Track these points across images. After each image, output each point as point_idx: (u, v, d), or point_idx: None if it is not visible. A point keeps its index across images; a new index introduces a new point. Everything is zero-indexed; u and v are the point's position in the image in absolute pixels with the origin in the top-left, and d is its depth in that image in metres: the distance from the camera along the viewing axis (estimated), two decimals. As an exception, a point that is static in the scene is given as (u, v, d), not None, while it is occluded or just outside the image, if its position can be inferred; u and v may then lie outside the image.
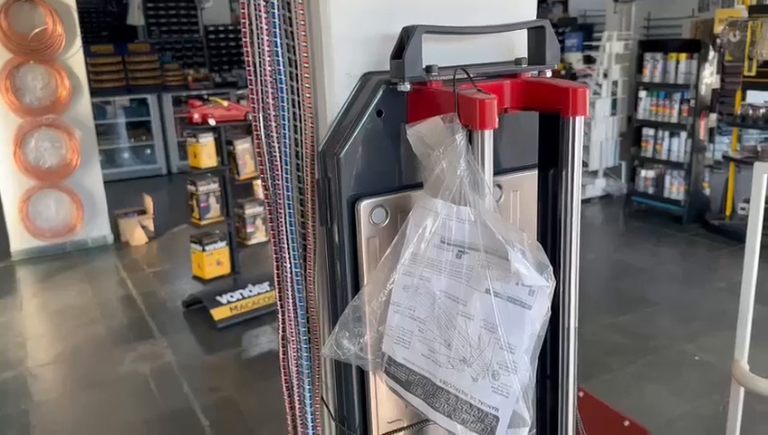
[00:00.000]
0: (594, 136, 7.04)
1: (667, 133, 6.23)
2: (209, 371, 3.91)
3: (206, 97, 7.47)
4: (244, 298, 4.52)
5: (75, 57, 5.73)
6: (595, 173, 7.21)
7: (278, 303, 0.92)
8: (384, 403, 0.85)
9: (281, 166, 0.83)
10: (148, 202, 6.40)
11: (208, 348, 4.14)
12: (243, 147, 4.48)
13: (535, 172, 0.88)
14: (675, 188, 6.22)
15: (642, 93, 6.41)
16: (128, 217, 6.23)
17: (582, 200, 7.16)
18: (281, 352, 0.95)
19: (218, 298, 4.46)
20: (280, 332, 0.95)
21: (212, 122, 4.25)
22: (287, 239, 0.85)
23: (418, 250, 0.77)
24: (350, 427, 0.85)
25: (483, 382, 0.73)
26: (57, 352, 4.15)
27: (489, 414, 0.72)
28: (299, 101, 0.81)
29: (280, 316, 0.93)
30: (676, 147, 6.16)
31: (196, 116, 4.25)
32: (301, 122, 0.82)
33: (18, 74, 5.48)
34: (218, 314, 4.37)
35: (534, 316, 0.71)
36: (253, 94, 0.84)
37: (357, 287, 0.81)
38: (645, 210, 6.57)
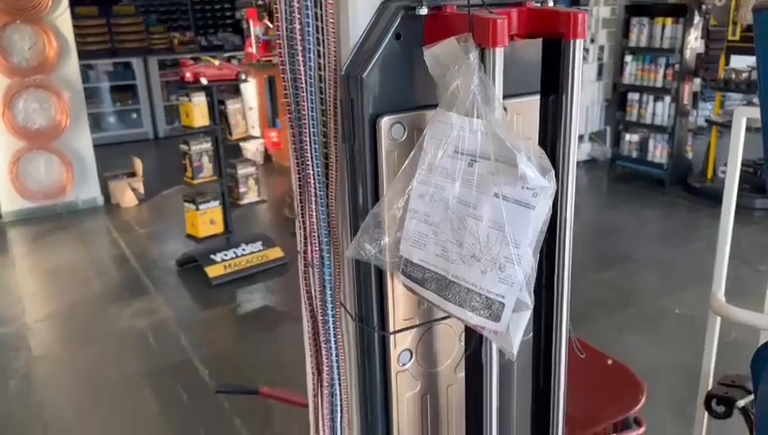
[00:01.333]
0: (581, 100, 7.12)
1: (651, 98, 6.34)
2: (206, 325, 4.01)
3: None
4: (237, 256, 4.61)
5: (62, 17, 5.68)
6: (581, 138, 7.31)
7: (299, 220, 1.01)
8: (399, 303, 0.95)
9: (306, 89, 0.91)
10: (138, 164, 6.42)
11: (204, 304, 4.23)
12: (234, 107, 4.52)
13: (537, 98, 0.97)
14: (658, 151, 6.35)
15: (628, 58, 6.49)
16: (117, 180, 6.26)
17: (568, 164, 7.29)
18: (302, 265, 1.04)
19: (212, 256, 4.53)
20: (301, 247, 1.03)
21: (204, 81, 4.27)
22: (311, 157, 0.93)
23: (434, 161, 0.85)
24: (369, 324, 0.95)
25: (490, 274, 0.83)
26: (53, 309, 4.22)
27: (496, 301, 0.82)
28: (323, 27, 0.89)
29: (301, 232, 1.01)
30: (661, 111, 6.28)
31: (188, 75, 4.27)
32: (324, 47, 0.90)
33: (5, 34, 5.44)
34: (213, 271, 4.45)
35: (537, 215, 0.80)
36: (278, 22, 0.91)
37: (376, 198, 0.90)
38: (629, 174, 6.71)
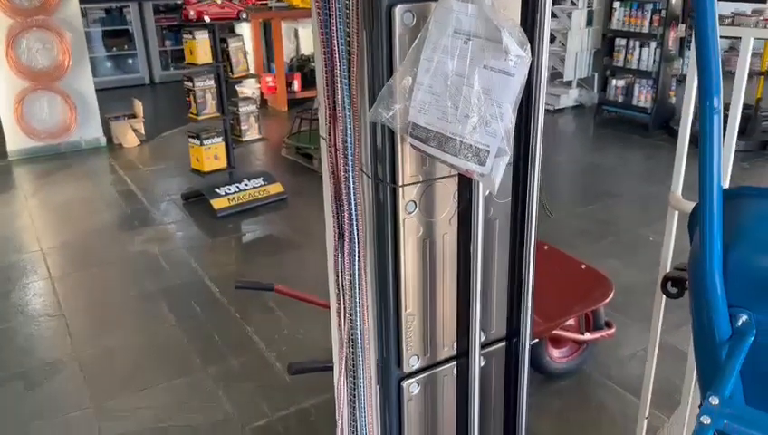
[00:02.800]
0: (570, 47, 7.30)
1: (637, 44, 6.53)
2: (213, 250, 4.27)
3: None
4: (240, 191, 4.84)
5: (63, -44, 5.76)
6: (569, 84, 7.52)
7: (324, 101, 1.25)
8: (407, 162, 1.19)
9: (333, -13, 1.14)
10: (138, 106, 6.58)
11: (210, 233, 4.49)
12: (236, 45, 4.68)
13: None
14: (643, 96, 6.57)
15: (616, 4, 6.64)
16: (119, 121, 6.43)
17: (555, 110, 7.51)
18: (328, 143, 1.28)
19: (216, 190, 4.77)
20: (327, 122, 1.27)
21: (207, 19, 4.43)
22: (337, 43, 1.17)
23: (437, 40, 1.09)
24: (384, 180, 1.20)
25: (479, 129, 1.08)
26: (68, 237, 4.46)
27: (482, 150, 1.07)
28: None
29: (326, 109, 1.25)
30: (646, 57, 6.48)
31: (191, 13, 4.41)
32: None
33: (6, -26, 5.52)
34: (218, 203, 4.69)
35: (516, 80, 1.05)
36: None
37: (391, 73, 1.14)
38: (614, 118, 6.95)
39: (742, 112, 1.91)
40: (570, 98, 7.49)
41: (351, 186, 1.24)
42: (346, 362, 1.35)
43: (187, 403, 2.75)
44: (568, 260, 2.71)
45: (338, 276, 1.35)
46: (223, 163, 4.84)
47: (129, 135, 6.32)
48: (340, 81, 1.18)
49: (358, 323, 1.32)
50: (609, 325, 2.84)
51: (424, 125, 1.13)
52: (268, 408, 2.70)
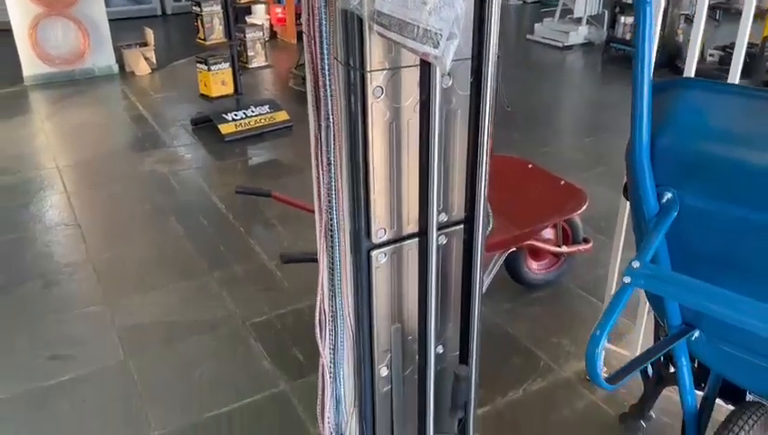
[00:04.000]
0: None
1: (648, -21, 6.47)
2: (221, 171, 4.46)
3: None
4: (247, 117, 5.00)
5: None
6: (579, 20, 7.49)
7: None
8: (374, 50, 1.35)
9: None
10: (149, 35, 6.68)
11: (218, 156, 4.67)
12: (243, -29, 4.75)
13: None
14: (651, 34, 6.56)
15: (629, -61, 6.56)
16: (130, 49, 6.54)
17: (565, 47, 7.51)
18: (306, 31, 1.43)
19: (224, 116, 4.93)
20: (307, 15, 1.42)
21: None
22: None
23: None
24: (354, 66, 1.37)
25: (434, 15, 1.23)
26: (82, 156, 4.67)
27: (436, 33, 1.23)
28: None
29: (306, 4, 1.40)
30: (656, -7, 6.43)
31: (199, -62, 4.47)
32: None
33: None
34: (225, 128, 4.86)
35: (465, -28, 1.20)
36: None
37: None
38: (622, 56, 6.95)
39: (746, 51, 1.90)
40: (579, 35, 7.48)
41: (327, 73, 1.41)
42: (325, 229, 1.54)
43: (193, 302, 3.00)
44: (548, 177, 2.87)
45: (317, 158, 1.53)
46: (230, 89, 4.98)
47: (140, 63, 6.45)
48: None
49: (334, 197, 1.51)
50: (586, 241, 3.02)
51: (387, 12, 1.29)
52: (268, 307, 2.94)
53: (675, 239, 1.45)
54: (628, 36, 6.77)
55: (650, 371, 2.03)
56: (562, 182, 2.80)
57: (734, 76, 1.87)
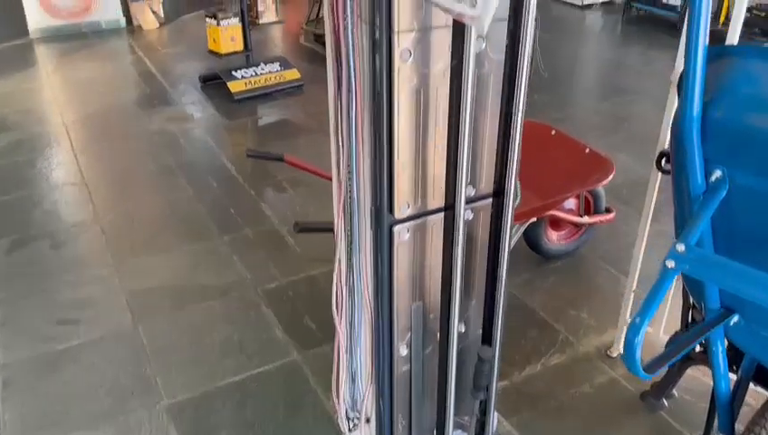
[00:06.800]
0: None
1: (675, -65, 6.20)
2: (230, 131, 4.36)
3: None
4: (257, 75, 4.86)
5: None
6: (600, -22, 7.22)
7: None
8: (404, 9, 1.24)
9: None
10: (157, -13, 6.49)
11: (227, 115, 4.56)
12: None
13: None
14: (675, -7, 6.32)
15: None
16: (138, 2, 6.36)
17: (585, 5, 7.26)
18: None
19: (233, 73, 4.79)
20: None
21: None
22: None
23: None
24: (379, 26, 1.25)
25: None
26: (89, 112, 4.56)
27: (474, -8, 1.11)
28: None
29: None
30: (683, -50, 6.16)
31: None
32: None
33: None
34: (234, 87, 4.73)
35: None
36: None
37: None
38: (643, 16, 6.72)
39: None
40: (600, -6, 7.22)
41: (349, 33, 1.29)
42: (343, 201, 1.45)
43: (203, 266, 2.93)
44: (573, 144, 2.76)
45: (337, 123, 1.43)
46: (239, 45, 4.84)
47: (148, 17, 6.28)
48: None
49: (354, 168, 1.41)
50: (609, 211, 2.92)
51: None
52: (279, 273, 2.87)
53: (719, 220, 1.35)
54: (651, -5, 6.52)
55: (677, 350, 1.96)
56: (587, 150, 2.69)
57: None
